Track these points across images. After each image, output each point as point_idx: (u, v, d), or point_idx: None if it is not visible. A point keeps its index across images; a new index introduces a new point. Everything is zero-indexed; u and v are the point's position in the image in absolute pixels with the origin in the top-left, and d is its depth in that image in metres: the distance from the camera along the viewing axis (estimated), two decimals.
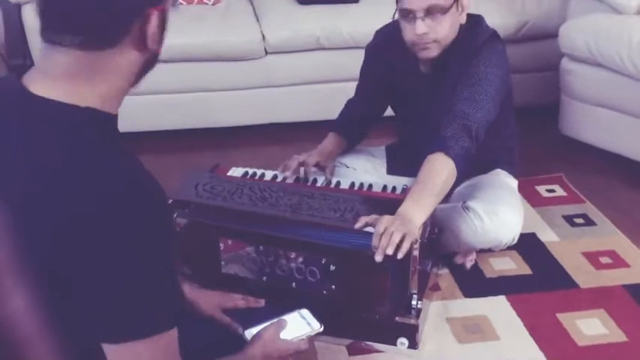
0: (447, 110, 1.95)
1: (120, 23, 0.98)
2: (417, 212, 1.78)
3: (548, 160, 2.93)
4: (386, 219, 1.72)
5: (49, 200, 0.94)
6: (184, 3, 3.16)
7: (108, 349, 0.99)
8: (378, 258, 1.66)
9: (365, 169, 2.31)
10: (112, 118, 1.04)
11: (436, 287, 2.11)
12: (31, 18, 2.96)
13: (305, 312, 1.47)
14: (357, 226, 1.76)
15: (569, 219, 2.48)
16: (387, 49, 2.16)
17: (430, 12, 1.92)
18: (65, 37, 0.97)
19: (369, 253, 1.68)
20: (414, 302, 1.80)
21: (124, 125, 3.28)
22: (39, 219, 0.94)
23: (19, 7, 2.96)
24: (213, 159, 2.38)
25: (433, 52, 1.99)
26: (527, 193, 2.61)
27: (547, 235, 2.38)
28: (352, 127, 2.33)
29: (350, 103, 2.36)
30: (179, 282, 1.08)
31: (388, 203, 1.89)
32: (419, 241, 1.75)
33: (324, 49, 3.02)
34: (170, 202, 1.83)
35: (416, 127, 2.19)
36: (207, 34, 2.96)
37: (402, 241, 1.68)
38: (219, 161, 2.25)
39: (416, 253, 1.76)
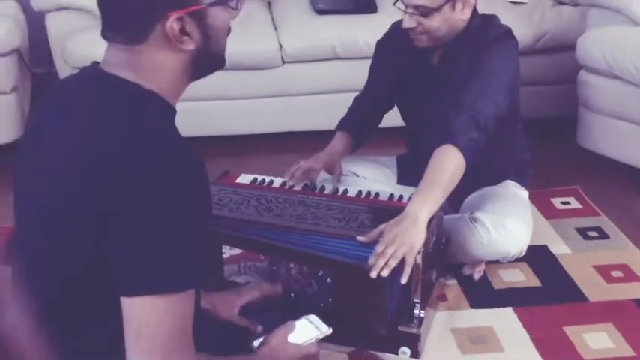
0: (457, 102, 1.94)
1: (138, 23, 1.10)
2: (424, 208, 1.76)
3: (566, 172, 2.90)
4: (387, 238, 1.70)
5: (105, 152, 1.05)
6: None
7: (124, 302, 1.05)
8: (373, 274, 1.65)
9: (376, 179, 2.31)
10: (171, 108, 1.17)
11: (443, 297, 2.10)
12: (55, 26, 3.03)
13: (313, 317, 1.46)
14: (360, 239, 1.75)
15: (583, 232, 2.45)
16: (400, 41, 2.11)
17: (418, 9, 1.93)
18: (107, 33, 1.13)
19: (366, 268, 1.67)
20: (416, 311, 1.80)
21: None
22: (92, 167, 1.05)
23: (43, 15, 3.02)
24: (230, 166, 2.40)
25: (423, 43, 2.01)
26: (542, 204, 2.60)
27: (559, 248, 2.35)
28: (360, 125, 2.30)
29: (358, 100, 2.34)
30: (204, 250, 1.12)
31: (394, 212, 1.88)
32: (422, 249, 1.75)
33: (340, 58, 3.05)
34: None
35: (423, 129, 2.17)
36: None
37: (402, 261, 1.68)
38: (237, 168, 2.27)
39: (419, 261, 1.76)
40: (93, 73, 1.16)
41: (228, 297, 1.60)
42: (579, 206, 2.63)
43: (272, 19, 3.21)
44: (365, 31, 2.99)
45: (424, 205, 1.77)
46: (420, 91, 2.15)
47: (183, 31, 1.10)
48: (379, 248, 1.69)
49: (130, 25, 1.10)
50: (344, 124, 2.30)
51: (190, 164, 1.08)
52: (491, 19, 2.09)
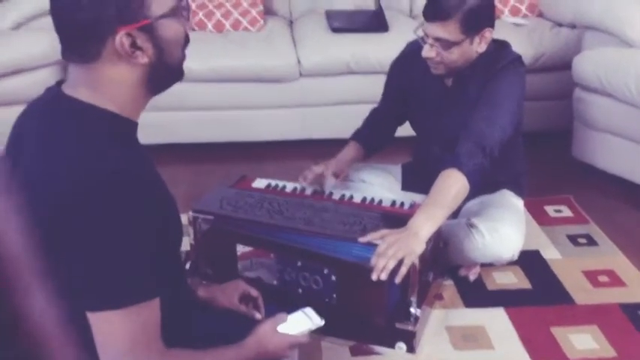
0: (465, 127, 1.91)
1: (89, 41, 1.03)
2: (425, 225, 1.76)
3: (560, 182, 2.85)
4: (389, 239, 1.69)
5: (52, 176, 1.01)
6: (231, 29, 3.20)
7: (89, 317, 1.01)
8: (374, 277, 1.64)
9: (382, 185, 2.29)
10: (129, 123, 1.10)
11: (439, 297, 2.07)
12: None
13: (308, 310, 1.42)
14: (361, 240, 1.74)
15: (573, 238, 2.40)
16: (415, 60, 2.06)
17: (439, 41, 1.89)
18: (65, 53, 1.07)
19: (367, 267, 1.66)
20: (412, 310, 1.78)
21: (173, 137, 3.34)
22: (45, 192, 1.01)
23: None
24: (250, 170, 2.39)
25: (440, 70, 1.97)
26: (536, 212, 2.55)
27: (550, 253, 2.31)
28: (372, 137, 2.28)
29: (373, 112, 2.32)
30: (161, 261, 1.07)
31: (394, 218, 1.87)
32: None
33: (353, 73, 3.02)
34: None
35: (431, 142, 2.14)
36: (250, 57, 2.99)
37: (401, 262, 1.66)
38: (256, 172, 2.27)
39: (417, 264, 1.73)
40: (52, 96, 1.11)
41: (227, 288, 1.54)
42: (571, 214, 2.58)
43: (292, 36, 3.20)
44: (377, 49, 2.97)
45: (426, 222, 1.75)
46: (434, 107, 2.12)
47: (134, 46, 1.04)
48: (381, 248, 1.68)
49: (82, 43, 1.04)
50: (357, 135, 2.29)
51: (132, 182, 1.01)
52: (504, 46, 2.05)
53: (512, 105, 1.94)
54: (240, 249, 1.86)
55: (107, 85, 1.06)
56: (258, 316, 1.48)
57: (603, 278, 2.17)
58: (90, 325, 1.03)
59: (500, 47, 2.03)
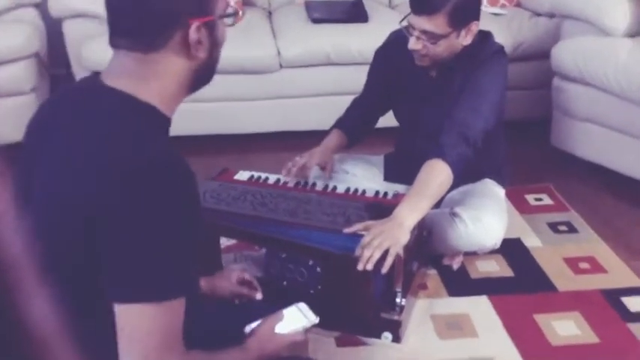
0: (448, 117, 1.90)
1: (160, 30, 1.03)
2: (410, 214, 1.75)
3: (539, 170, 2.87)
4: (374, 230, 1.68)
5: (91, 166, 0.99)
6: None
7: (117, 309, 0.98)
8: (360, 267, 1.64)
9: (364, 176, 2.28)
10: (165, 119, 1.08)
11: (424, 286, 2.07)
12: (71, 31, 2.99)
13: (302, 305, 1.43)
14: (346, 230, 1.73)
15: (554, 226, 2.42)
16: (399, 50, 2.03)
17: (425, 34, 1.88)
18: (119, 41, 1.05)
19: (353, 257, 1.65)
20: (398, 300, 1.77)
21: None
22: (83, 178, 0.99)
23: (60, 21, 2.98)
24: (231, 162, 2.36)
25: (425, 63, 1.96)
26: (516, 200, 2.56)
27: (531, 241, 2.32)
28: (355, 126, 2.25)
29: (356, 101, 2.29)
30: (194, 260, 1.06)
31: (378, 208, 1.86)
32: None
33: (333, 64, 3.00)
34: None
35: (414, 133, 2.14)
36: (229, 48, 2.88)
37: (387, 251, 1.65)
38: (237, 164, 2.24)
39: (401, 254, 1.73)
40: (89, 85, 1.10)
41: (224, 273, 1.58)
42: (551, 202, 2.59)
43: (271, 27, 3.17)
44: (357, 39, 2.95)
45: (411, 212, 1.75)
46: (417, 98, 2.11)
47: (198, 39, 1.04)
48: (366, 239, 1.67)
49: (152, 31, 1.02)
50: (339, 123, 2.26)
51: (175, 174, 1.00)
52: (487, 36, 2.04)
53: (495, 95, 1.94)
54: (224, 242, 1.85)
55: (158, 76, 1.04)
56: (258, 295, 1.51)
57: (584, 265, 2.18)
58: (94, 330, 0.99)
59: (483, 38, 2.02)
